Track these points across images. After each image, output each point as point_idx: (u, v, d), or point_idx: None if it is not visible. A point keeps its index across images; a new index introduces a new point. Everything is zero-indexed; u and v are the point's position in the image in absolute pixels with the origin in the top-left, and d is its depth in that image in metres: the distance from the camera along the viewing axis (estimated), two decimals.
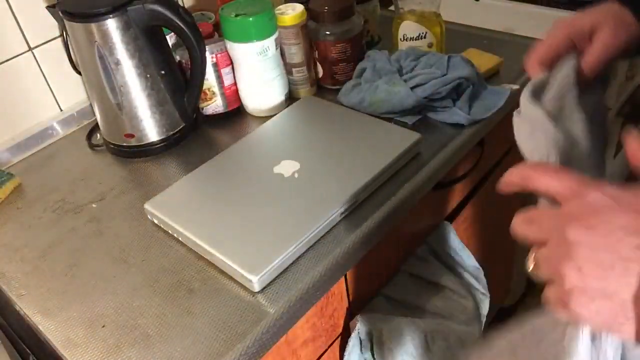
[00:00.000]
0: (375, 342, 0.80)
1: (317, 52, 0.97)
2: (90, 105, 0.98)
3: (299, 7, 0.93)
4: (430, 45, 0.99)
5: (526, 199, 0.43)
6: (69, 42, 0.92)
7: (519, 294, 1.53)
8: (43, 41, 0.94)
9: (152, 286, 0.69)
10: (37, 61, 0.94)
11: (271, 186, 0.77)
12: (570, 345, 0.37)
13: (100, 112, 0.92)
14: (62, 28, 0.91)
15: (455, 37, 1.06)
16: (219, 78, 0.93)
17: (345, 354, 0.80)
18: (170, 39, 0.95)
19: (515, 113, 0.52)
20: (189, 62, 0.88)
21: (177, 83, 0.92)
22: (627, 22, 0.57)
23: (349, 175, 0.76)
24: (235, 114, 0.97)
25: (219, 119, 0.97)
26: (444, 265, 0.94)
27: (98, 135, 0.98)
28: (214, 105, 0.96)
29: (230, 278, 0.68)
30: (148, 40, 0.85)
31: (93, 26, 0.82)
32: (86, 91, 0.99)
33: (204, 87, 0.92)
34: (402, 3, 0.99)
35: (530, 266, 0.36)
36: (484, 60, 0.97)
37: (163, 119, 0.91)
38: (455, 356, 0.77)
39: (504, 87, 0.91)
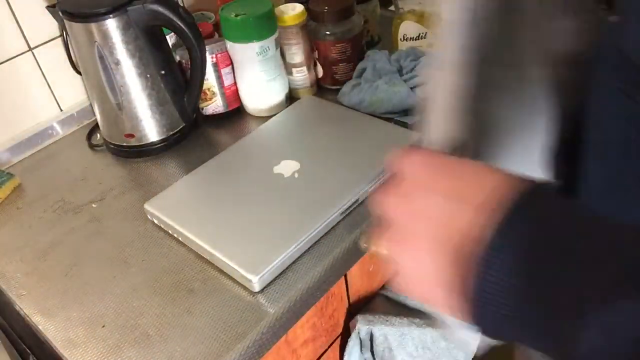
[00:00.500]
0: (375, 342, 0.80)
1: (317, 52, 0.97)
2: (90, 105, 0.98)
3: (299, 7, 0.93)
4: (430, 46, 0.99)
5: None
6: (69, 42, 0.92)
7: None
8: (43, 41, 0.94)
9: (152, 286, 0.69)
10: (37, 61, 0.94)
11: (271, 186, 0.77)
12: None
13: (100, 112, 0.92)
14: (62, 28, 0.91)
15: None
16: (219, 78, 0.93)
17: (345, 354, 0.80)
18: (170, 39, 0.95)
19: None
20: (189, 62, 0.88)
21: (177, 83, 0.92)
22: None
23: (349, 175, 0.76)
24: (235, 114, 0.97)
25: (219, 119, 0.97)
26: None
27: (98, 135, 0.98)
28: (214, 105, 0.96)
29: (230, 278, 0.68)
30: (148, 40, 0.85)
31: (93, 26, 0.82)
32: (86, 91, 0.99)
33: (204, 87, 0.92)
34: (402, 3, 0.99)
35: (363, 239, 0.35)
36: None
37: (163, 119, 0.91)
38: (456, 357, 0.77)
39: None
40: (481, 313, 0.27)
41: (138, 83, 0.87)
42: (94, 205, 0.84)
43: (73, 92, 1.00)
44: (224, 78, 0.93)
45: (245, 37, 0.88)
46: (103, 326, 0.66)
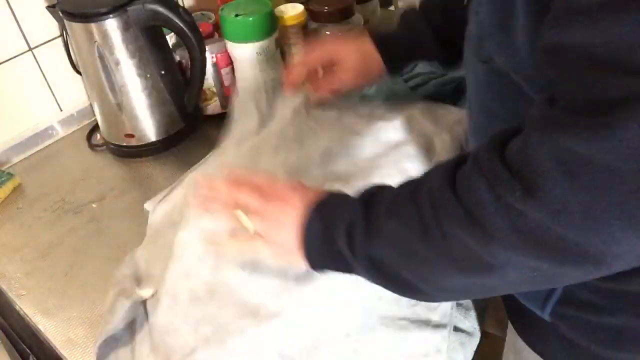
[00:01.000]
0: None
1: None
2: (90, 105, 0.98)
3: (299, 7, 0.93)
4: None
5: None
6: (69, 42, 0.92)
7: None
8: (43, 41, 0.94)
9: None
10: (37, 61, 0.94)
11: None
12: None
13: (100, 112, 0.92)
14: (62, 28, 0.91)
15: None
16: (219, 78, 0.93)
17: None
18: (170, 39, 0.95)
19: None
20: (189, 62, 0.88)
21: (177, 83, 0.92)
22: (372, 65, 0.73)
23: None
24: None
25: (219, 119, 0.96)
26: None
27: (98, 135, 0.98)
28: (214, 105, 0.96)
29: None
30: (148, 40, 0.85)
31: (93, 26, 0.82)
32: (86, 91, 0.99)
33: (204, 87, 0.92)
34: (402, 3, 0.99)
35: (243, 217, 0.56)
36: None
37: (163, 119, 0.91)
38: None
39: None
40: (308, 254, 0.52)
41: (138, 83, 0.87)
42: (94, 205, 0.84)
43: (73, 92, 1.00)
44: (224, 78, 0.94)
45: (245, 37, 0.88)
46: None
